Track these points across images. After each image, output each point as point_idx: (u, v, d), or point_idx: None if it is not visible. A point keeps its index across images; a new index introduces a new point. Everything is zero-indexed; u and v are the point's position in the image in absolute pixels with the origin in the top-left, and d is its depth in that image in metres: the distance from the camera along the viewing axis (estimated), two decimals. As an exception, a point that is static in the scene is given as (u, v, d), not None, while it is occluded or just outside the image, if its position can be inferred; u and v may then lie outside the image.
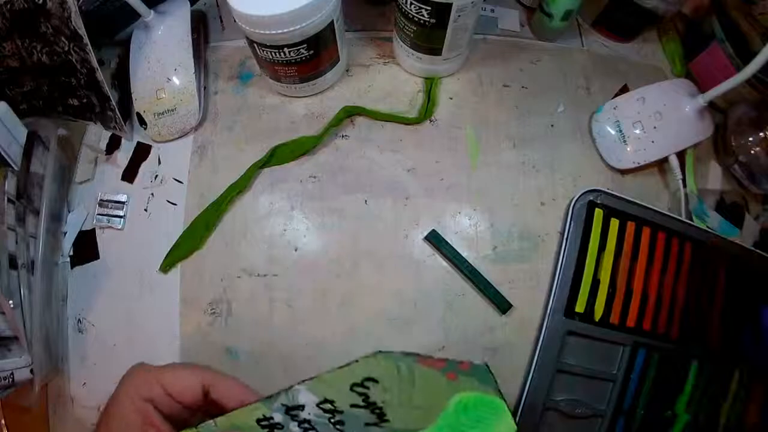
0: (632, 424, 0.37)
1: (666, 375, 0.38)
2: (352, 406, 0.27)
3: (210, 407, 0.27)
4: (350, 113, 0.42)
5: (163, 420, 0.26)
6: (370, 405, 0.27)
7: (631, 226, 0.39)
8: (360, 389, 0.26)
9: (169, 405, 0.26)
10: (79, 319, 0.40)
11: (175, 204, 0.41)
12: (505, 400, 0.27)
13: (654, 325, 0.38)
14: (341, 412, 0.27)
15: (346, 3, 0.37)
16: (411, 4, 0.35)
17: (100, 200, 0.41)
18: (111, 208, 0.41)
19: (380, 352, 0.26)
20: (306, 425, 0.27)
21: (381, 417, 0.27)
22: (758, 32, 0.39)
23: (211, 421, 0.26)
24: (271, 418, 0.27)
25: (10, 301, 0.35)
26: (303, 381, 0.27)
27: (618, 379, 0.37)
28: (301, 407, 0.27)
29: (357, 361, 0.26)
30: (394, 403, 0.27)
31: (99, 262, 0.40)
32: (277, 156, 0.41)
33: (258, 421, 0.27)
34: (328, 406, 0.27)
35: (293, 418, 0.27)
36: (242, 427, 0.26)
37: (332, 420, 0.27)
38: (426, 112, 0.42)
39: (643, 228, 0.39)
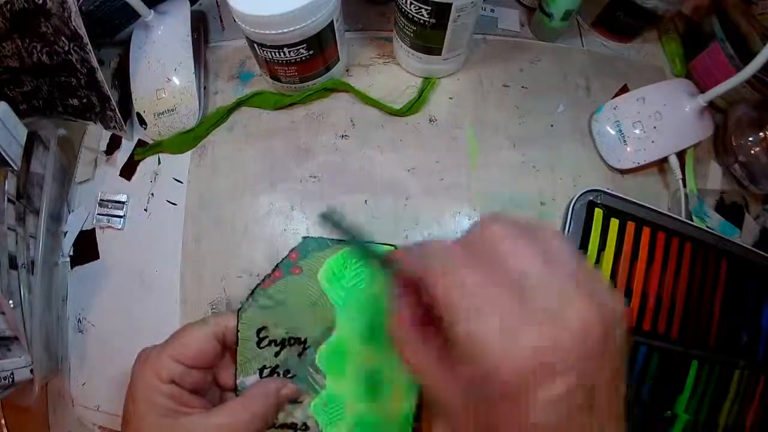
0: (632, 424, 0.37)
1: (666, 375, 0.38)
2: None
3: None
4: (336, 86, 0.42)
5: (191, 395, 0.25)
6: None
7: (631, 226, 0.39)
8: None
9: (191, 376, 0.26)
10: (79, 319, 0.40)
11: (175, 204, 0.41)
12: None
13: (654, 325, 0.38)
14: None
15: (346, 3, 0.37)
16: (411, 3, 0.35)
17: (100, 200, 0.41)
18: (111, 208, 0.41)
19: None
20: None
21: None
22: (758, 32, 0.39)
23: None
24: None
25: (10, 301, 0.35)
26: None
27: (618, 379, 0.37)
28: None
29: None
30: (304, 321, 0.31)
31: (99, 262, 0.40)
32: (259, 99, 0.42)
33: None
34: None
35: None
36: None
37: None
38: (411, 108, 0.42)
39: (643, 228, 0.39)
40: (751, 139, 0.42)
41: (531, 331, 0.17)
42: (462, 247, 0.20)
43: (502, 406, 0.17)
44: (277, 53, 0.36)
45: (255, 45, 0.36)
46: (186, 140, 0.42)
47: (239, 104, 0.43)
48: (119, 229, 0.41)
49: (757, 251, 0.41)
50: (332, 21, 0.36)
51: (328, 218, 0.26)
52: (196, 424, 0.24)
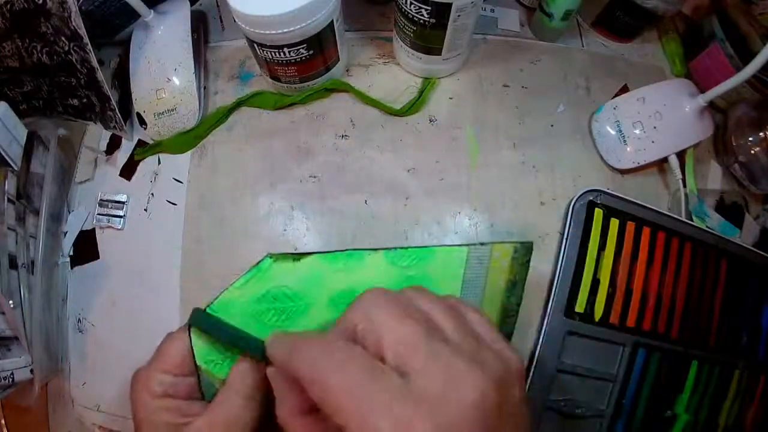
0: (632, 424, 0.37)
1: (666, 375, 0.38)
2: None
3: None
4: (336, 86, 0.42)
5: (189, 403, 0.25)
6: None
7: (631, 226, 0.39)
8: None
9: (184, 384, 0.26)
10: (79, 319, 0.40)
11: (175, 204, 0.41)
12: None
13: (654, 325, 0.38)
14: None
15: (346, 3, 0.37)
16: (411, 3, 0.35)
17: (100, 200, 0.41)
18: (111, 208, 0.41)
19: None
20: None
21: None
22: (758, 32, 0.39)
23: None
24: None
25: (10, 301, 0.35)
26: None
27: (618, 379, 0.37)
28: None
29: None
30: None
31: (99, 262, 0.40)
32: (259, 99, 0.42)
33: None
34: None
35: None
36: None
37: None
38: (411, 108, 0.42)
39: (643, 228, 0.39)
40: (751, 139, 0.42)
41: (424, 423, 0.17)
42: (336, 340, 0.20)
43: None
44: (277, 53, 0.36)
45: (255, 45, 0.36)
46: (186, 140, 0.42)
47: (239, 104, 0.43)
48: (119, 229, 0.41)
49: (757, 251, 0.41)
50: (332, 21, 0.36)
51: (199, 323, 0.26)
52: (198, 430, 0.24)
